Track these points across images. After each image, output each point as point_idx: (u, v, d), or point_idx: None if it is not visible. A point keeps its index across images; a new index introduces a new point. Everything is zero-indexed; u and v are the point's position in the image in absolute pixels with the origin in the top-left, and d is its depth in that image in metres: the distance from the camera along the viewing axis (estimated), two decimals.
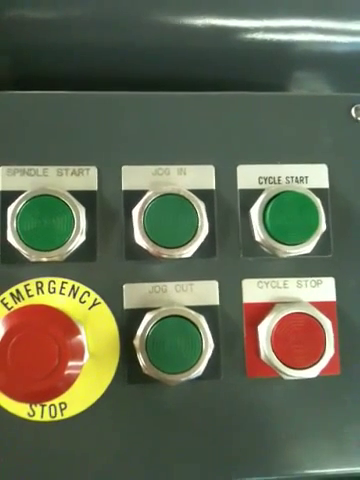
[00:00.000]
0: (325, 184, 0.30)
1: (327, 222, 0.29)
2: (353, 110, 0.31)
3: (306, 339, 0.28)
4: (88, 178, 0.28)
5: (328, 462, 0.29)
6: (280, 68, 0.37)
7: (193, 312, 0.27)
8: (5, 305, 0.27)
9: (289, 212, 0.28)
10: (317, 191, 0.29)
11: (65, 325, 0.25)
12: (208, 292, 0.29)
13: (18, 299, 0.27)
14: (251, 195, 0.29)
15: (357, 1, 0.37)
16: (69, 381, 0.25)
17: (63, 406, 0.27)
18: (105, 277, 0.28)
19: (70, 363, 0.24)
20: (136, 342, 0.27)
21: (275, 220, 0.28)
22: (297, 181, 0.30)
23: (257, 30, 0.36)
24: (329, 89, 0.40)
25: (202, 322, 0.27)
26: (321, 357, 0.28)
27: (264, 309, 0.29)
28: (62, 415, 0.27)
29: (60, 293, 0.27)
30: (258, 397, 0.28)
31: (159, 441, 0.27)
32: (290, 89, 0.38)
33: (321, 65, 0.38)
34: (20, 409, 0.26)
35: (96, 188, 0.28)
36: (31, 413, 0.26)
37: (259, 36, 0.36)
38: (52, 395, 0.24)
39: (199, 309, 0.28)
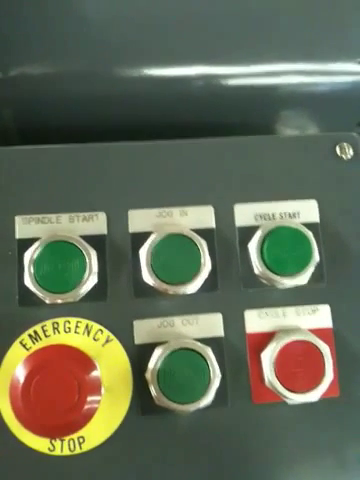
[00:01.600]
0: (316, 218, 0.32)
1: (320, 253, 0.31)
2: (337, 148, 0.33)
3: (306, 364, 0.30)
4: (98, 223, 0.31)
5: None
6: (267, 110, 0.40)
7: (200, 344, 0.29)
8: (23, 346, 0.29)
9: (284, 246, 0.31)
10: (309, 225, 0.31)
11: (83, 362, 0.27)
12: (213, 324, 0.31)
13: (36, 339, 0.29)
14: (248, 231, 0.31)
15: (335, 44, 0.39)
16: (88, 415, 0.26)
17: (81, 440, 0.28)
18: (116, 315, 0.30)
19: (89, 398, 0.26)
20: (148, 375, 0.29)
21: (272, 254, 0.31)
22: (290, 217, 0.32)
23: (244, 76, 0.38)
24: (314, 126, 0.43)
25: (209, 353, 0.29)
26: (321, 381, 0.30)
27: (266, 338, 0.31)
28: (81, 448, 0.28)
29: (75, 332, 0.29)
30: (264, 421, 0.30)
31: (173, 468, 0.29)
32: (277, 128, 0.41)
33: (306, 105, 0.41)
34: (41, 444, 0.28)
35: (106, 232, 0.31)
36: (51, 448, 0.28)
37: (246, 81, 0.38)
38: (73, 429, 0.26)
39: (205, 341, 0.30)
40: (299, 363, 0.30)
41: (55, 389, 0.25)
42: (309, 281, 0.31)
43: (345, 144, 0.34)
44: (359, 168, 0.33)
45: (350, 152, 0.33)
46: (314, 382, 0.30)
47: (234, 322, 0.31)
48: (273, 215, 0.32)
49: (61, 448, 0.28)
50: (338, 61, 0.39)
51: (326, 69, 0.39)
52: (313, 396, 0.30)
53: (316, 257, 0.31)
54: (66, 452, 0.28)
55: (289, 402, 0.30)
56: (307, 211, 0.32)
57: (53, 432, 0.26)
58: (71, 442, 0.28)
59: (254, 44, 0.38)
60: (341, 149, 0.33)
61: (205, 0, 0.39)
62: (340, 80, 0.39)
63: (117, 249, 0.30)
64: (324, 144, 0.33)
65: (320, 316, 0.31)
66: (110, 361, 0.29)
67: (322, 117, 0.42)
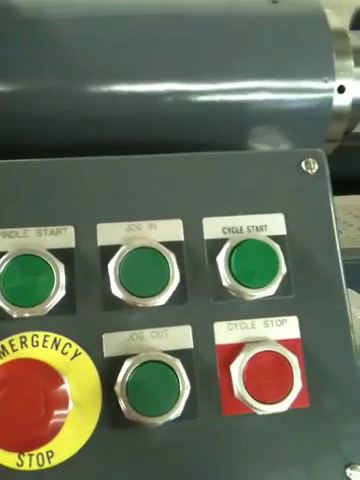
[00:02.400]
0: (283, 231, 0.33)
1: (287, 265, 0.32)
2: (303, 164, 0.34)
3: (275, 375, 0.30)
4: (66, 237, 0.31)
5: None
6: (238, 126, 0.41)
7: (169, 356, 0.29)
8: None
9: (252, 258, 0.31)
10: (276, 238, 0.32)
11: (50, 376, 0.27)
12: (182, 336, 0.31)
13: (3, 354, 0.29)
14: (217, 244, 0.32)
15: (302, 63, 0.41)
16: (55, 429, 0.26)
17: (50, 454, 0.28)
18: (85, 328, 0.30)
19: (56, 412, 0.26)
20: (117, 388, 0.29)
21: (240, 266, 0.31)
22: (257, 230, 0.33)
23: (214, 92, 0.39)
24: (286, 142, 0.44)
25: (178, 365, 0.29)
26: (290, 391, 0.30)
27: (235, 349, 0.31)
28: (49, 463, 0.28)
29: (43, 346, 0.29)
30: (234, 433, 0.30)
31: None
32: (249, 144, 0.42)
33: (276, 121, 0.42)
34: (9, 460, 0.27)
35: (74, 245, 0.31)
36: (20, 463, 0.28)
37: (216, 98, 0.39)
38: (39, 443, 0.26)
39: (175, 353, 0.30)
40: (268, 374, 0.30)
41: (21, 403, 0.25)
42: (277, 293, 0.31)
43: (310, 159, 0.34)
44: (324, 182, 0.34)
45: (315, 167, 0.34)
46: (283, 392, 0.30)
47: (203, 334, 0.31)
48: (241, 228, 0.33)
49: (29, 463, 0.28)
50: (305, 79, 0.40)
51: (294, 87, 0.40)
52: (282, 407, 0.30)
53: (283, 269, 0.31)
54: (35, 467, 0.28)
55: (258, 413, 0.30)
56: (274, 224, 0.33)
57: (20, 446, 0.25)
58: (40, 457, 0.28)
59: (224, 62, 0.39)
60: (306, 164, 0.34)
61: (175, 19, 0.40)
62: (308, 97, 0.40)
63: (85, 262, 0.31)
64: (290, 160, 0.34)
65: (288, 327, 0.32)
66: (79, 375, 0.29)
67: (292, 133, 0.43)
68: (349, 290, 0.42)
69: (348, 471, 0.31)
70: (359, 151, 0.71)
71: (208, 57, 0.39)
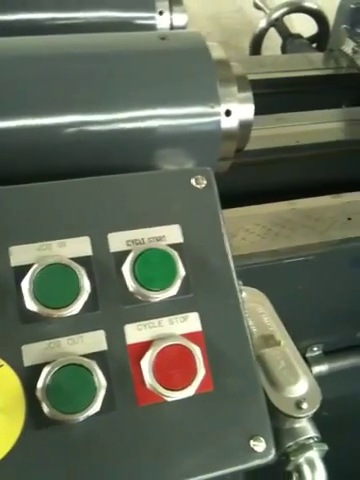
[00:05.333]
0: (180, 239, 0.38)
1: (185, 268, 0.36)
2: (193, 180, 0.39)
3: (181, 365, 0.34)
4: None
5: (213, 465, 0.34)
6: (140, 151, 0.45)
7: (85, 359, 0.33)
8: None
9: (153, 265, 0.36)
10: (174, 246, 0.37)
11: None
12: (96, 340, 0.34)
13: None
14: (122, 255, 0.36)
15: (190, 92, 0.45)
16: None
17: None
18: (5, 342, 0.33)
19: None
20: (38, 393, 0.32)
21: (143, 273, 0.35)
22: (157, 240, 0.37)
23: (113, 122, 0.43)
24: (187, 161, 0.48)
25: (94, 366, 0.33)
26: (194, 378, 0.34)
27: (145, 346, 0.35)
28: None
29: None
30: (150, 421, 0.34)
31: (72, 474, 0.32)
32: (157, 165, 0.46)
33: (172, 144, 0.46)
34: None
35: None
36: None
37: (115, 127, 0.43)
38: None
39: (90, 356, 0.33)
40: (174, 365, 0.34)
41: None
42: (178, 293, 0.36)
43: (199, 176, 0.40)
44: (212, 195, 0.39)
45: (204, 182, 0.39)
46: (188, 380, 0.34)
47: (116, 336, 0.35)
48: (142, 240, 0.37)
49: None
50: (194, 106, 0.45)
51: (184, 113, 0.45)
52: (188, 392, 0.34)
53: (181, 272, 0.36)
54: None
55: (169, 400, 0.34)
56: (171, 234, 0.38)
57: None
58: None
59: (120, 94, 0.44)
60: (196, 181, 0.39)
61: (73, 56, 0.44)
62: (198, 122, 0.45)
63: (1, 282, 0.34)
64: (182, 178, 0.39)
65: (190, 322, 0.36)
66: (2, 385, 0.32)
67: (191, 154, 0.48)
68: (251, 288, 0.48)
69: (252, 442, 0.35)
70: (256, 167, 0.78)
71: (106, 90, 0.43)
